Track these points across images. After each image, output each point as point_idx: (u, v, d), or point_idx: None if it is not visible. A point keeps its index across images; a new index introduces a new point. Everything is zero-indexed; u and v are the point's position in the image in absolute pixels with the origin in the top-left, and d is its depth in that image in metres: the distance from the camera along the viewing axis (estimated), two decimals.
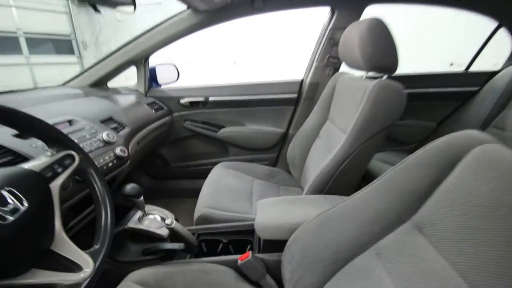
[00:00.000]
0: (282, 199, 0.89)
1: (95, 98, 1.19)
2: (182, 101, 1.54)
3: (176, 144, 1.67)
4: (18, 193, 0.41)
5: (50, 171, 0.49)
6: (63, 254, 0.46)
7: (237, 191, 1.17)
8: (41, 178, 0.47)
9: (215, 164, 1.39)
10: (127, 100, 1.33)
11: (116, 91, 1.45)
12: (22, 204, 0.40)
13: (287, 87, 1.54)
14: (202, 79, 1.63)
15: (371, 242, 0.52)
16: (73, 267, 0.46)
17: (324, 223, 0.64)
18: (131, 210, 0.94)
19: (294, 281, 0.64)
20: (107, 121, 1.03)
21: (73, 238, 0.48)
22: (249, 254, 0.75)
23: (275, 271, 0.78)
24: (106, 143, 0.89)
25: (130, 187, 0.84)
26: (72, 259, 0.46)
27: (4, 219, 0.37)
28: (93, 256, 0.49)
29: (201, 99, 1.53)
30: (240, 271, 0.77)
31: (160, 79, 1.58)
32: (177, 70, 1.66)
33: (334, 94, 1.22)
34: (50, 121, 0.82)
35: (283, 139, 1.61)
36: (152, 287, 0.68)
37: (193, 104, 1.55)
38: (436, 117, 1.64)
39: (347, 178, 0.97)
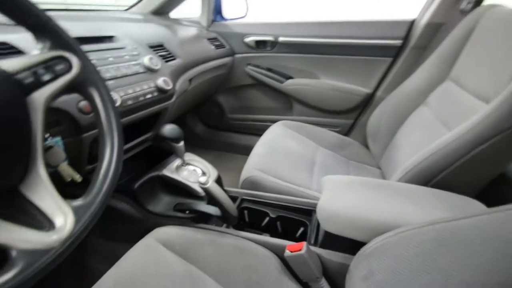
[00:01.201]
0: (362, 181, 0.61)
1: (150, 24, 1.04)
2: (247, 39, 1.29)
3: (235, 92, 1.47)
4: None
5: (31, 77, 0.32)
6: (33, 201, 0.31)
7: (296, 157, 0.93)
8: (10, 83, 0.30)
9: (275, 121, 1.15)
10: (185, 30, 1.15)
11: (176, 21, 1.29)
12: None
13: (387, 29, 1.12)
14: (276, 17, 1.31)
15: None
16: (46, 223, 0.31)
17: (447, 240, 0.36)
18: (171, 156, 0.80)
19: None
20: (157, 47, 0.87)
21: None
22: (303, 246, 0.53)
23: (335, 276, 0.56)
24: (148, 69, 0.72)
25: (169, 128, 0.68)
26: (44, 210, 0.31)
27: None
28: (77, 212, 0.33)
29: (269, 38, 1.25)
30: (286, 262, 0.57)
31: (225, 11, 1.34)
32: (247, 3, 1.38)
33: (469, 40, 0.79)
34: (88, 33, 0.69)
35: (366, 102, 1.24)
36: (176, 251, 0.55)
37: (259, 45, 1.29)
38: None
39: (475, 173, 0.62)
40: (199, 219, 0.68)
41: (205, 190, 0.57)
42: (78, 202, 0.34)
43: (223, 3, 1.33)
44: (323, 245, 0.58)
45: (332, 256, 0.55)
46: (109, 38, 0.72)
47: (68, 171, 0.48)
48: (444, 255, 0.35)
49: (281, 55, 1.28)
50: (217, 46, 1.23)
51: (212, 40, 1.23)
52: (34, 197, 0.31)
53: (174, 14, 1.32)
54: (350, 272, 0.47)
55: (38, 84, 0.33)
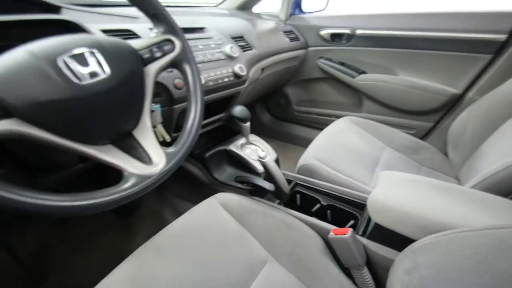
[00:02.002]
0: (426, 180, 0.58)
1: (234, 18, 1.16)
2: (322, 32, 1.29)
3: (304, 85, 1.50)
4: (104, 60, 0.37)
5: (148, 53, 0.45)
6: (140, 142, 0.43)
7: (359, 153, 0.90)
8: (136, 56, 0.43)
9: (341, 117, 1.13)
10: (264, 24, 1.24)
11: (257, 15, 1.38)
12: (103, 71, 0.36)
13: (488, 22, 0.96)
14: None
15: None
16: (147, 159, 0.42)
17: (506, 246, 0.34)
18: (238, 135, 0.90)
19: None
20: (237, 38, 0.97)
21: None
22: (348, 231, 0.55)
23: (377, 269, 0.55)
24: (229, 57, 0.83)
25: (239, 108, 0.77)
26: (148, 151, 0.42)
27: (80, 79, 0.34)
28: (168, 156, 0.44)
29: (346, 31, 1.22)
30: (330, 246, 0.59)
31: (305, 4, 1.37)
32: None
33: None
34: (184, 25, 0.83)
35: (452, 104, 1.10)
36: (233, 214, 0.64)
37: (334, 38, 1.27)
38: None
39: None
40: (255, 192, 0.76)
41: (264, 165, 0.64)
42: (169, 149, 0.45)
43: None
44: (370, 238, 0.58)
45: (378, 248, 0.55)
46: (200, 29, 0.86)
47: (161, 132, 0.62)
48: (500, 260, 0.33)
49: (356, 49, 1.24)
50: (292, 39, 1.27)
51: (287, 32, 1.28)
52: (141, 140, 0.43)
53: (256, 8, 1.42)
54: (394, 266, 0.46)
55: (152, 59, 0.45)
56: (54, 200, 0.31)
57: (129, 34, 0.64)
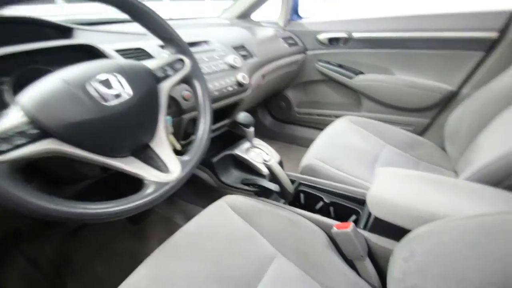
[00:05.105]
0: (420, 175, 0.61)
1: (235, 28, 1.21)
2: (320, 36, 1.33)
3: (304, 87, 1.54)
4: (126, 82, 0.42)
5: (162, 72, 0.50)
6: (157, 153, 0.48)
7: (359, 152, 0.94)
8: (152, 76, 0.48)
9: (341, 117, 1.17)
10: (263, 32, 1.29)
11: (257, 23, 1.44)
12: (125, 92, 0.41)
13: (480, 21, 1.00)
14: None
15: None
16: (164, 167, 0.47)
17: (491, 232, 0.38)
18: (243, 139, 0.95)
19: (406, 285, 0.45)
20: (239, 48, 1.03)
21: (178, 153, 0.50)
22: (350, 225, 0.59)
23: (378, 259, 0.59)
24: (231, 67, 0.88)
25: (243, 115, 0.82)
26: (164, 160, 0.47)
27: (106, 100, 0.39)
28: (183, 164, 0.49)
29: (343, 35, 1.26)
30: (334, 240, 0.63)
31: (301, 9, 1.41)
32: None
33: None
34: (189, 39, 0.89)
35: (448, 100, 1.14)
36: (241, 214, 0.68)
37: (332, 42, 1.31)
38: None
39: None
40: (261, 193, 0.80)
41: (268, 167, 0.69)
42: (184, 158, 0.50)
43: (300, 1, 1.41)
44: (371, 230, 0.62)
45: (378, 240, 0.59)
46: (204, 42, 0.91)
47: (172, 141, 0.67)
48: (486, 244, 0.37)
49: (353, 51, 1.28)
50: (291, 44, 1.32)
51: (286, 38, 1.33)
52: (158, 151, 0.48)
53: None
54: (394, 255, 0.50)
55: (165, 77, 0.50)
56: (97, 208, 0.36)
57: (141, 53, 0.70)
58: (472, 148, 0.85)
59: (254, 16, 1.48)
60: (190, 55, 0.54)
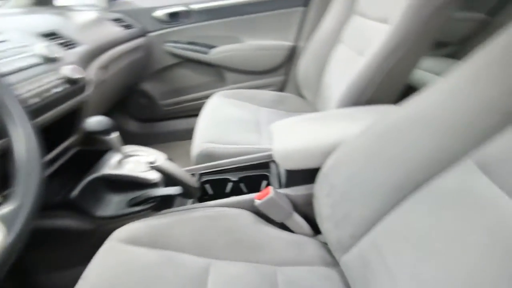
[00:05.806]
0: (305, 118, 0.65)
1: (35, 14, 0.87)
2: (156, 13, 1.18)
3: (160, 76, 1.36)
4: None
5: None
6: None
7: (241, 121, 0.94)
8: None
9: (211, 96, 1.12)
10: (81, 15, 1.00)
11: (66, 7, 1.10)
12: None
13: None
14: None
15: (464, 153, 0.33)
16: None
17: (380, 138, 0.42)
18: (106, 153, 0.71)
19: (338, 218, 0.46)
20: (49, 35, 0.73)
21: None
22: (269, 190, 0.56)
23: (303, 208, 0.60)
24: (47, 59, 0.61)
25: (94, 120, 0.59)
26: None
27: None
28: (6, 220, 0.27)
29: (181, 8, 1.16)
30: (259, 213, 0.59)
31: None
32: None
33: None
34: None
35: (291, 55, 1.30)
36: (146, 244, 0.51)
37: (172, 17, 1.19)
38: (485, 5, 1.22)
39: (390, 86, 0.72)
40: (160, 206, 0.64)
41: (158, 169, 0.53)
42: (3, 210, 0.28)
43: None
44: (287, 185, 0.62)
45: (297, 190, 0.59)
46: None
47: None
48: (386, 148, 0.41)
49: (198, 25, 1.22)
50: (126, 27, 1.10)
51: (117, 21, 1.09)
52: None
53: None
54: (316, 195, 0.51)
55: None
56: None
57: None
58: (323, 88, 1.01)
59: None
60: None
